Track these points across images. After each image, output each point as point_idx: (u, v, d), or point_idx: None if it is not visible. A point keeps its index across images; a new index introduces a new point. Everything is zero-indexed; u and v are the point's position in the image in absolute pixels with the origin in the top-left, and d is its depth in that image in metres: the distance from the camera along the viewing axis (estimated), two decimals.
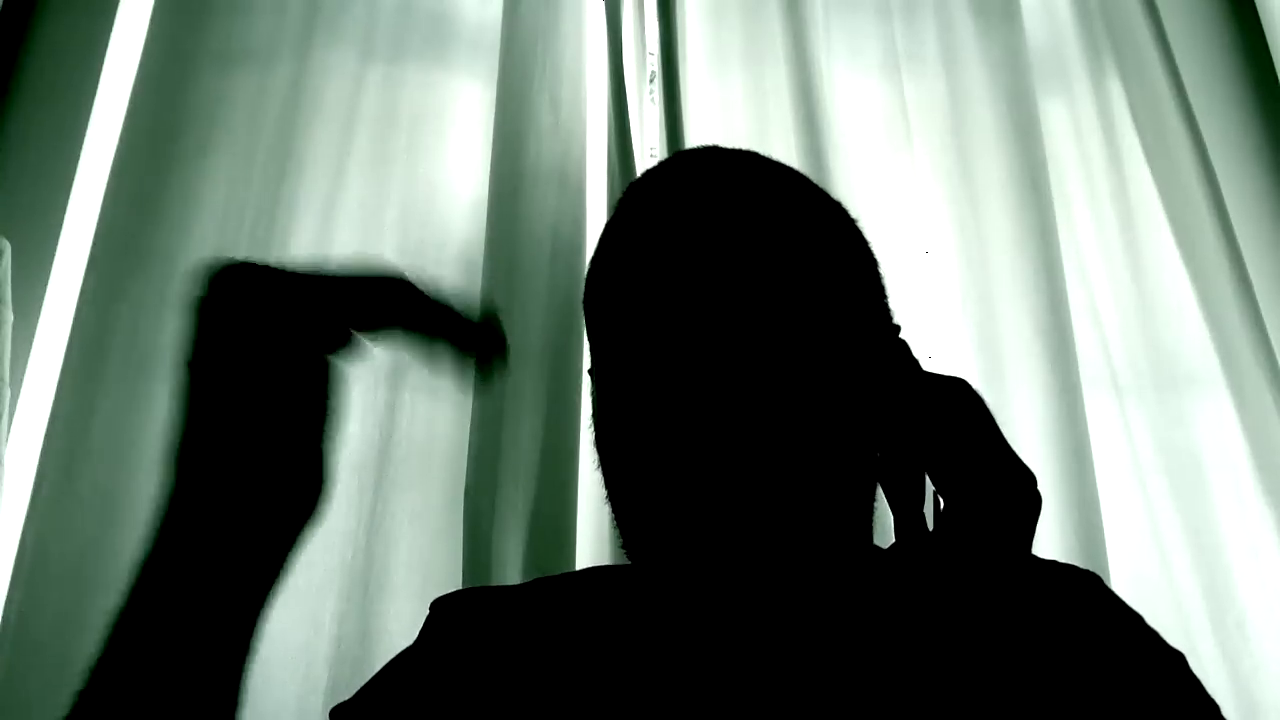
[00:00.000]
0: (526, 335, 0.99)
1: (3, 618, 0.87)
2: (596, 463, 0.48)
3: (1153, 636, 0.48)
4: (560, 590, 0.55)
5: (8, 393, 0.94)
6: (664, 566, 0.45)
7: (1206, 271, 1.06)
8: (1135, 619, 0.49)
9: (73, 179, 1.08)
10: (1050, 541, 0.94)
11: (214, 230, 1.01)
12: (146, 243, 1.00)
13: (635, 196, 0.48)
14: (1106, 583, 0.51)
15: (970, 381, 0.43)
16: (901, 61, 1.18)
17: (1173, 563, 0.98)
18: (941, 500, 0.42)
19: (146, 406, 0.94)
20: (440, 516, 0.94)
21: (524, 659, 0.48)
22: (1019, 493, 0.40)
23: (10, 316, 0.96)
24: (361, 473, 0.95)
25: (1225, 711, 0.89)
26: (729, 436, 0.41)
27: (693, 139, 1.10)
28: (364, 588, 0.90)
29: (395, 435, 0.97)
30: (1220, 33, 1.26)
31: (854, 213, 0.52)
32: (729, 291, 0.42)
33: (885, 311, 0.50)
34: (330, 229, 1.04)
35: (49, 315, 1.02)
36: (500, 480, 0.92)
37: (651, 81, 1.17)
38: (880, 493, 0.46)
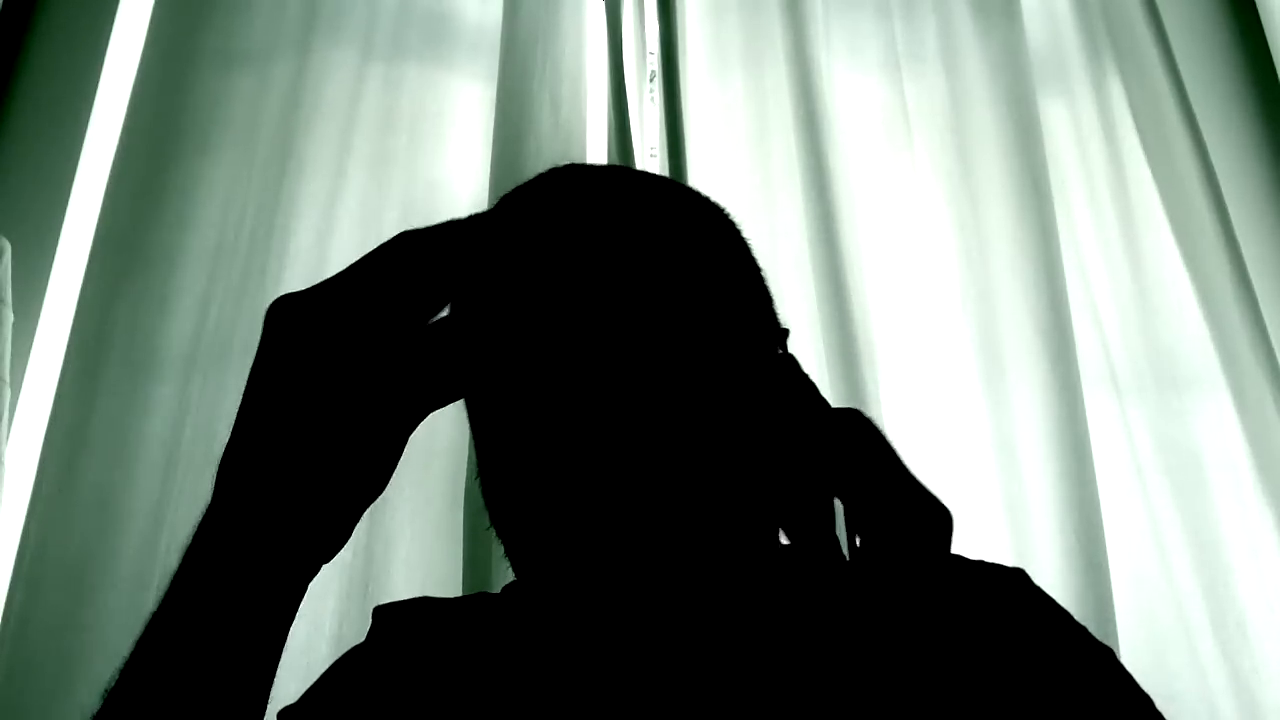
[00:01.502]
0: None
1: (3, 618, 0.87)
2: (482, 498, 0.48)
3: (1080, 631, 0.48)
4: (495, 604, 0.56)
5: (8, 393, 0.94)
6: (551, 581, 0.44)
7: (1206, 271, 1.06)
8: (1062, 614, 0.49)
9: (73, 179, 1.08)
10: (1050, 541, 0.94)
11: (214, 230, 1.02)
12: (146, 242, 1.00)
13: (503, 214, 0.46)
14: (1033, 580, 0.51)
15: (860, 410, 0.41)
16: (901, 61, 1.18)
17: (1173, 563, 0.98)
18: (852, 531, 0.39)
19: (146, 406, 0.94)
20: (440, 516, 0.94)
21: (449, 671, 0.49)
22: (934, 524, 0.38)
23: (10, 316, 0.96)
24: None
25: (1225, 712, 0.89)
26: (607, 446, 0.40)
27: (693, 139, 1.11)
28: (364, 588, 0.90)
29: None
30: (1220, 33, 1.26)
31: (733, 216, 0.51)
32: (605, 305, 0.41)
33: (771, 317, 0.49)
34: (330, 228, 1.04)
35: (49, 315, 1.02)
36: None
37: (651, 81, 1.17)
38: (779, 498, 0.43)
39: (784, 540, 0.43)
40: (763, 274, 0.50)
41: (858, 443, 0.39)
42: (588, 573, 0.41)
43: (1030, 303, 1.03)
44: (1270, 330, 1.02)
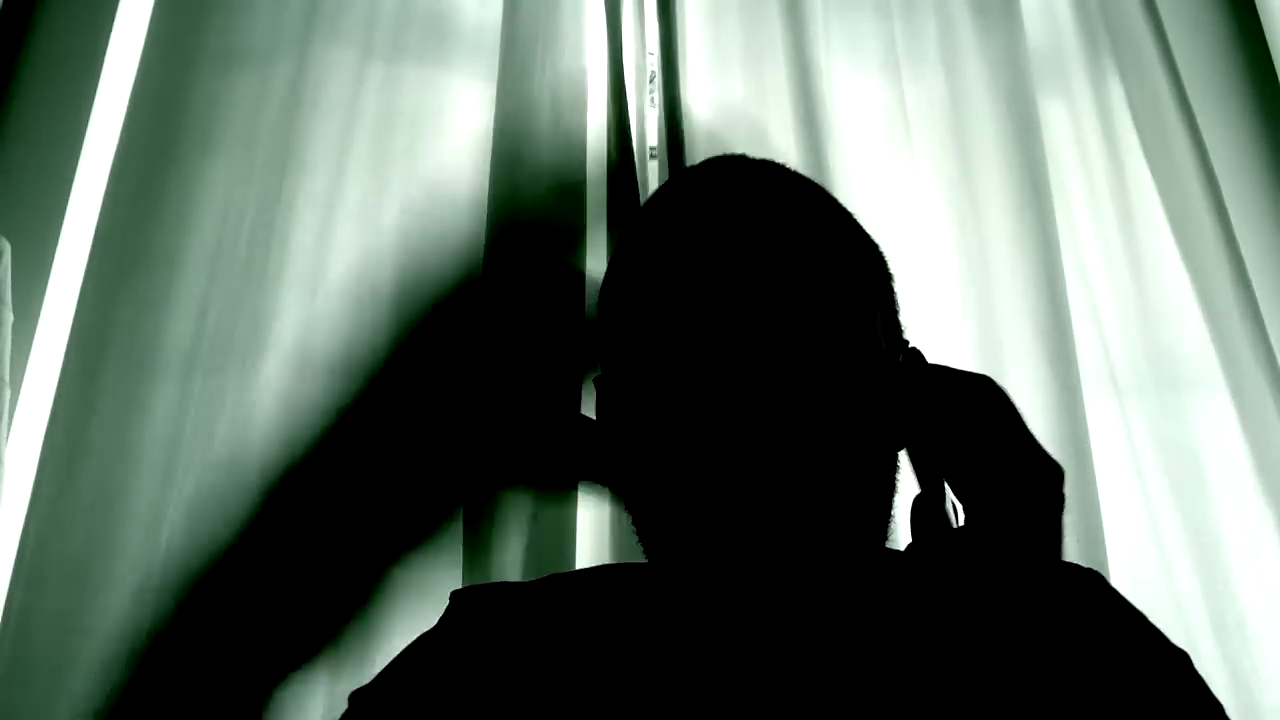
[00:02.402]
0: None
1: (3, 618, 0.87)
2: (612, 469, 0.49)
3: (1157, 635, 0.48)
4: (576, 586, 0.54)
5: (8, 393, 0.94)
6: (687, 566, 0.44)
7: (1206, 271, 1.06)
8: (1139, 618, 0.48)
9: (73, 179, 1.08)
10: None
11: (214, 230, 1.02)
12: (146, 242, 1.00)
13: (660, 204, 0.48)
14: (1108, 580, 0.51)
15: (994, 380, 0.42)
16: (901, 61, 1.18)
17: (1173, 563, 0.98)
18: (960, 504, 0.41)
19: (146, 406, 0.94)
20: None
21: (540, 653, 0.48)
22: (1040, 492, 0.39)
23: (10, 317, 0.96)
24: None
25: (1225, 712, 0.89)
26: (752, 438, 0.40)
27: (693, 139, 1.10)
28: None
29: None
30: (1220, 33, 1.26)
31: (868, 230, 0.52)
32: (753, 298, 0.41)
33: (898, 325, 0.50)
34: (330, 228, 1.04)
35: (49, 315, 1.02)
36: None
37: (651, 81, 1.17)
38: (898, 494, 0.46)
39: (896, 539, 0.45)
40: (893, 282, 0.51)
41: (977, 413, 0.41)
42: (723, 557, 0.42)
43: (1030, 303, 1.03)
44: (1270, 330, 1.02)
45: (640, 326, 0.43)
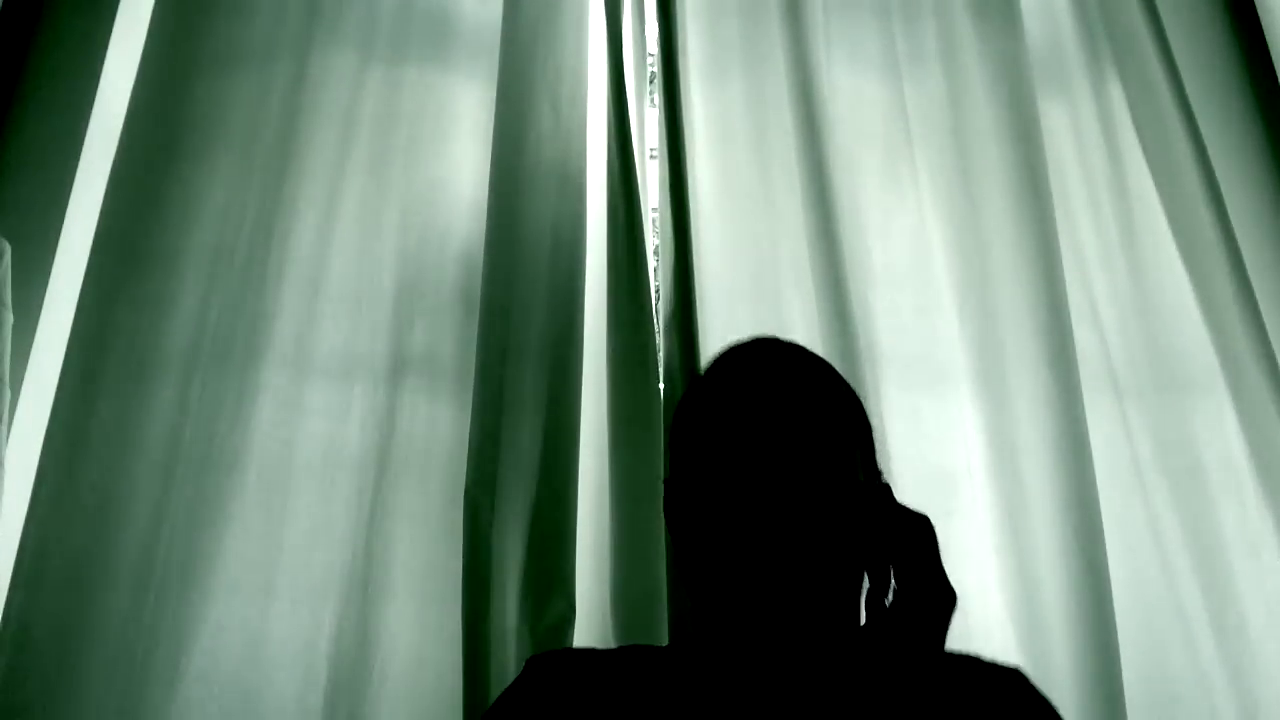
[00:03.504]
0: (526, 335, 0.99)
1: (3, 618, 0.87)
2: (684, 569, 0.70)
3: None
4: (647, 659, 0.69)
5: (8, 393, 0.94)
6: (733, 636, 0.63)
7: (1206, 272, 1.06)
8: (1052, 714, 0.64)
9: (73, 179, 1.08)
10: (1050, 541, 0.94)
11: (214, 231, 1.02)
12: (146, 243, 1.00)
13: (721, 371, 0.69)
14: (1029, 678, 0.65)
15: (929, 518, 0.62)
16: (901, 62, 1.18)
17: (1173, 563, 0.98)
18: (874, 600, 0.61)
19: (146, 407, 0.94)
20: (440, 516, 0.94)
21: (613, 710, 0.64)
22: (937, 603, 0.59)
23: (10, 317, 0.96)
24: (361, 473, 0.95)
25: (1225, 712, 0.90)
26: (785, 546, 0.60)
27: (693, 140, 1.11)
28: (364, 588, 0.90)
29: (395, 435, 0.97)
30: (1220, 33, 1.26)
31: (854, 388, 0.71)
32: (782, 448, 0.62)
33: (873, 459, 0.70)
34: (330, 229, 1.04)
35: (49, 315, 1.02)
36: (500, 480, 0.92)
37: (651, 82, 1.17)
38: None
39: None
40: (870, 426, 0.70)
41: (912, 542, 0.61)
42: (754, 627, 0.61)
43: (1030, 303, 1.03)
44: (1270, 331, 1.02)
45: (706, 458, 0.64)
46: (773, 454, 0.62)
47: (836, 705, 0.61)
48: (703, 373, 0.72)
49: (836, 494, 0.62)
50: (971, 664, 0.66)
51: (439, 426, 0.98)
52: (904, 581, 0.59)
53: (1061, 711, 0.65)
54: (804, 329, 1.03)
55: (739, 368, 0.69)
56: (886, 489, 0.66)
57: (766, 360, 0.69)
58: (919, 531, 0.61)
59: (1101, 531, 0.93)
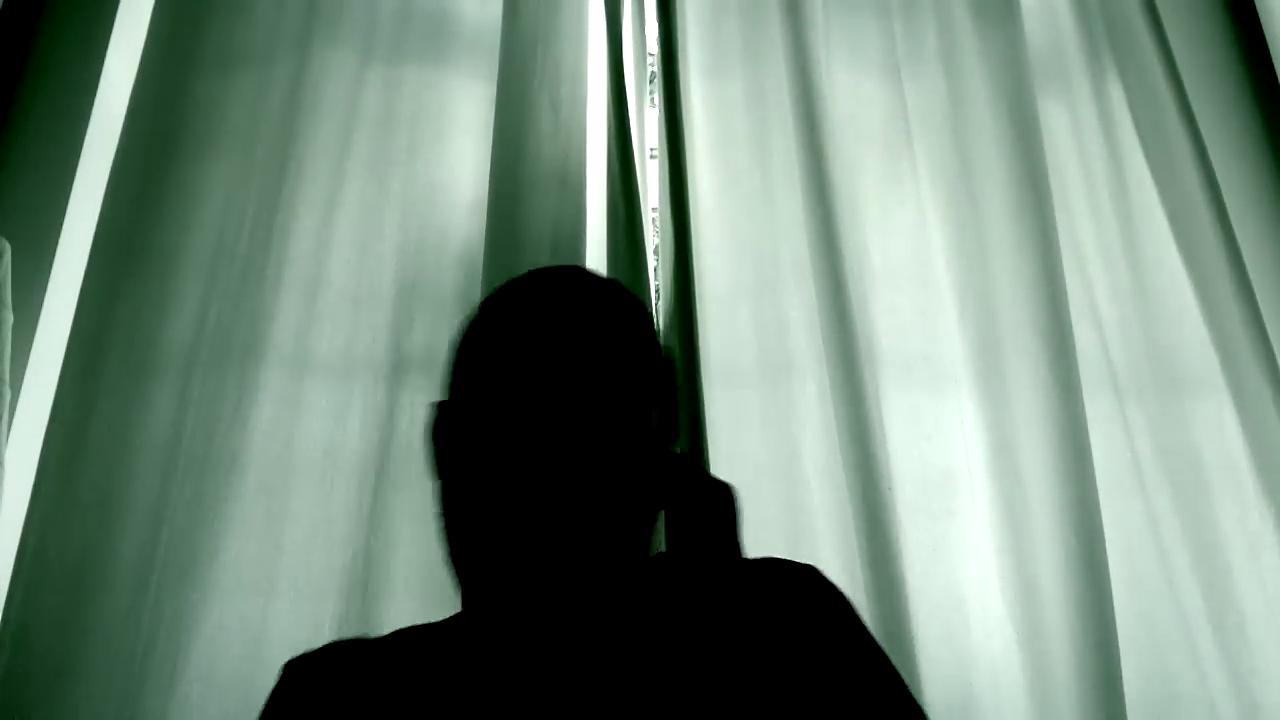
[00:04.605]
0: None
1: (3, 618, 0.87)
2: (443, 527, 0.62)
3: (855, 624, 0.62)
4: (421, 638, 0.65)
5: (8, 393, 0.94)
6: (497, 597, 0.60)
7: (1206, 272, 1.06)
8: (841, 601, 0.63)
9: (73, 179, 1.08)
10: (1050, 541, 0.94)
11: (214, 230, 1.02)
12: (146, 243, 1.00)
13: (519, 291, 0.66)
14: (822, 572, 0.65)
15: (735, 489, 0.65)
16: (901, 61, 1.18)
17: (1173, 563, 0.98)
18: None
19: (146, 406, 0.94)
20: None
21: (383, 701, 0.59)
22: (718, 501, 0.63)
23: (10, 317, 0.96)
24: (361, 473, 0.95)
25: (1225, 712, 0.90)
26: (566, 468, 0.58)
27: (693, 140, 1.11)
28: (364, 588, 0.90)
29: (395, 435, 0.97)
30: (1220, 33, 1.26)
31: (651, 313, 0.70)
32: (567, 377, 0.60)
33: (674, 421, 0.71)
34: (330, 229, 1.04)
35: (49, 315, 1.02)
36: None
37: (651, 82, 1.17)
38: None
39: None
40: (673, 385, 0.72)
41: (690, 482, 0.65)
42: (527, 590, 0.58)
43: (1030, 303, 1.03)
44: (1270, 331, 1.02)
45: (488, 379, 0.61)
46: (561, 375, 0.59)
47: (628, 635, 0.59)
48: (499, 291, 0.69)
49: (623, 426, 0.60)
50: (767, 565, 0.65)
51: None
52: (688, 511, 0.62)
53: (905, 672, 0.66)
54: (804, 329, 1.03)
55: (537, 291, 0.66)
56: (681, 459, 0.68)
57: (565, 287, 0.66)
58: (711, 485, 0.64)
59: (1101, 531, 0.93)
